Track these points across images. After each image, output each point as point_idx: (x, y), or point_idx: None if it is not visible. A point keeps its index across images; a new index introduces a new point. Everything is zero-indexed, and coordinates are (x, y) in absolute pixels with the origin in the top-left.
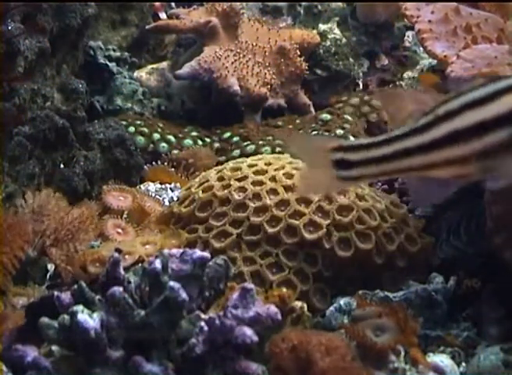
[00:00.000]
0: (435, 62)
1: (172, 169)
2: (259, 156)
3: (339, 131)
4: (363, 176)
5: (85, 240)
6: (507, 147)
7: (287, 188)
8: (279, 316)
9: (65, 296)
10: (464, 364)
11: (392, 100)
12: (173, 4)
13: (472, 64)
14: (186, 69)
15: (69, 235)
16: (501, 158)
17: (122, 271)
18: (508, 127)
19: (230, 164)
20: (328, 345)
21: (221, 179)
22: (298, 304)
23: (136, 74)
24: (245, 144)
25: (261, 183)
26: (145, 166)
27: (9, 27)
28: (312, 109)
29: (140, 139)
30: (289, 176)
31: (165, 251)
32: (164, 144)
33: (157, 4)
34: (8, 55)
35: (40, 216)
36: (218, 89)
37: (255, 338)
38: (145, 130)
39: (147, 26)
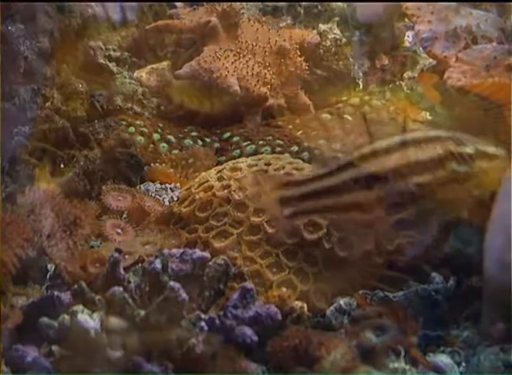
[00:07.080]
0: (435, 62)
1: (172, 170)
2: (259, 156)
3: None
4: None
5: (83, 236)
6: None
7: None
8: (279, 316)
9: (65, 296)
10: (463, 364)
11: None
12: (178, 4)
13: (471, 66)
14: (186, 69)
15: (67, 231)
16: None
17: (122, 271)
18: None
19: (230, 164)
20: (328, 345)
21: (221, 179)
22: (298, 304)
23: (136, 74)
24: (245, 144)
25: None
26: (145, 166)
27: (9, 28)
28: (312, 109)
29: (140, 139)
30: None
31: (165, 251)
32: (164, 144)
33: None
34: (9, 55)
35: (37, 214)
36: (218, 89)
37: (255, 338)
38: (145, 130)
39: (147, 26)
